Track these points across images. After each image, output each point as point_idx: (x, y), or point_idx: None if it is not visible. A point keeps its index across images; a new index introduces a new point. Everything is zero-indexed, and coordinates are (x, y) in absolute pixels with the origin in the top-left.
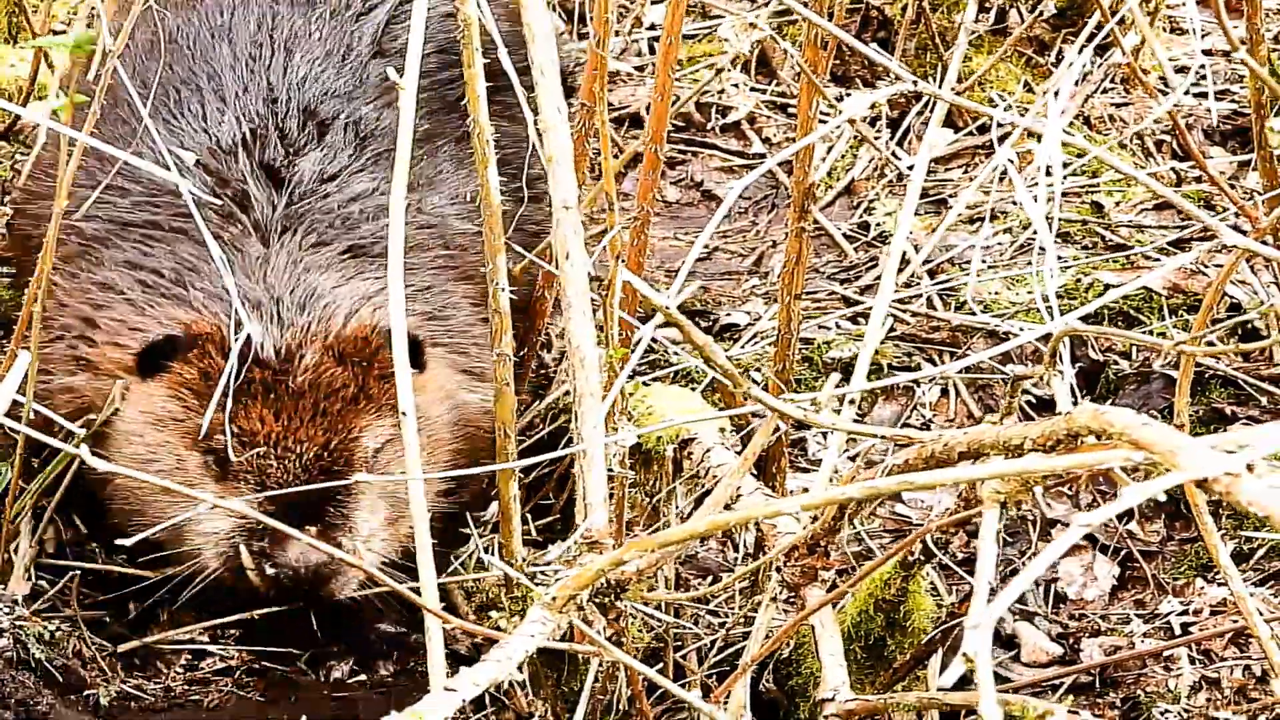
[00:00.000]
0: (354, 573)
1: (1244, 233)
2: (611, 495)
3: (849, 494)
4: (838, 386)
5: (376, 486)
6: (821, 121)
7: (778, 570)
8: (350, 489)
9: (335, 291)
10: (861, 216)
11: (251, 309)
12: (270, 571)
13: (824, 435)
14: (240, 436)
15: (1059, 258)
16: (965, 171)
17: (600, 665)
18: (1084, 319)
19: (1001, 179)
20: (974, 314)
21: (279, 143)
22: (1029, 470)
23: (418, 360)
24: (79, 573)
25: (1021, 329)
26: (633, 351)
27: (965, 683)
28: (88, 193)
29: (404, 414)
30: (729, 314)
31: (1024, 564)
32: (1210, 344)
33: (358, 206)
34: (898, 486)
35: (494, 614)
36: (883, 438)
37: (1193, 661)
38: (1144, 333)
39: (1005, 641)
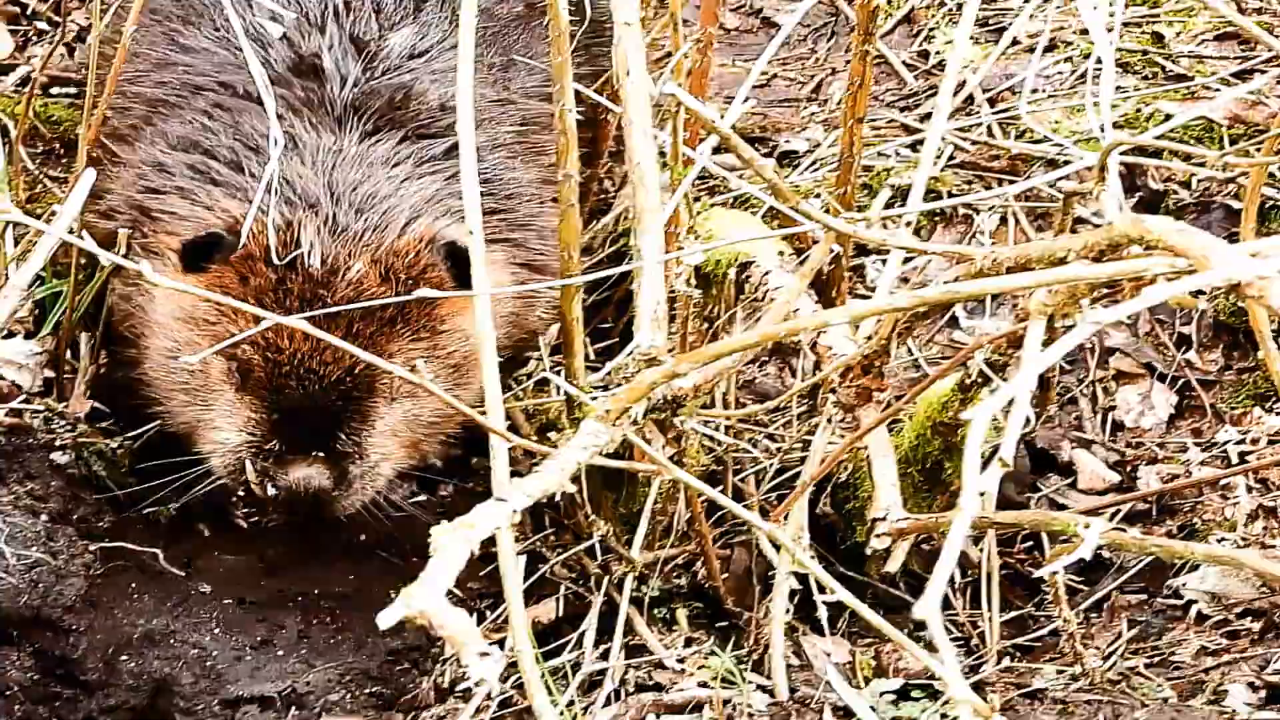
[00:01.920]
0: (359, 495)
1: None
2: (674, 316)
3: (896, 303)
4: (889, 207)
5: (398, 409)
6: None
7: (833, 392)
8: (365, 414)
9: (398, 193)
10: (921, 45)
11: (306, 209)
12: (271, 491)
13: (882, 261)
14: (265, 350)
15: (1118, 88)
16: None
17: (660, 487)
18: (1143, 150)
19: (1063, 3)
20: (1033, 142)
21: (373, 15)
22: (1072, 278)
23: (469, 277)
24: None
25: (1081, 157)
26: (689, 169)
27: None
28: (163, 53)
29: (472, 232)
30: (788, 141)
31: (1081, 392)
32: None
33: (441, 85)
34: (944, 296)
35: (553, 435)
36: (935, 254)
37: (1249, 490)
38: (1198, 163)
39: (1063, 469)
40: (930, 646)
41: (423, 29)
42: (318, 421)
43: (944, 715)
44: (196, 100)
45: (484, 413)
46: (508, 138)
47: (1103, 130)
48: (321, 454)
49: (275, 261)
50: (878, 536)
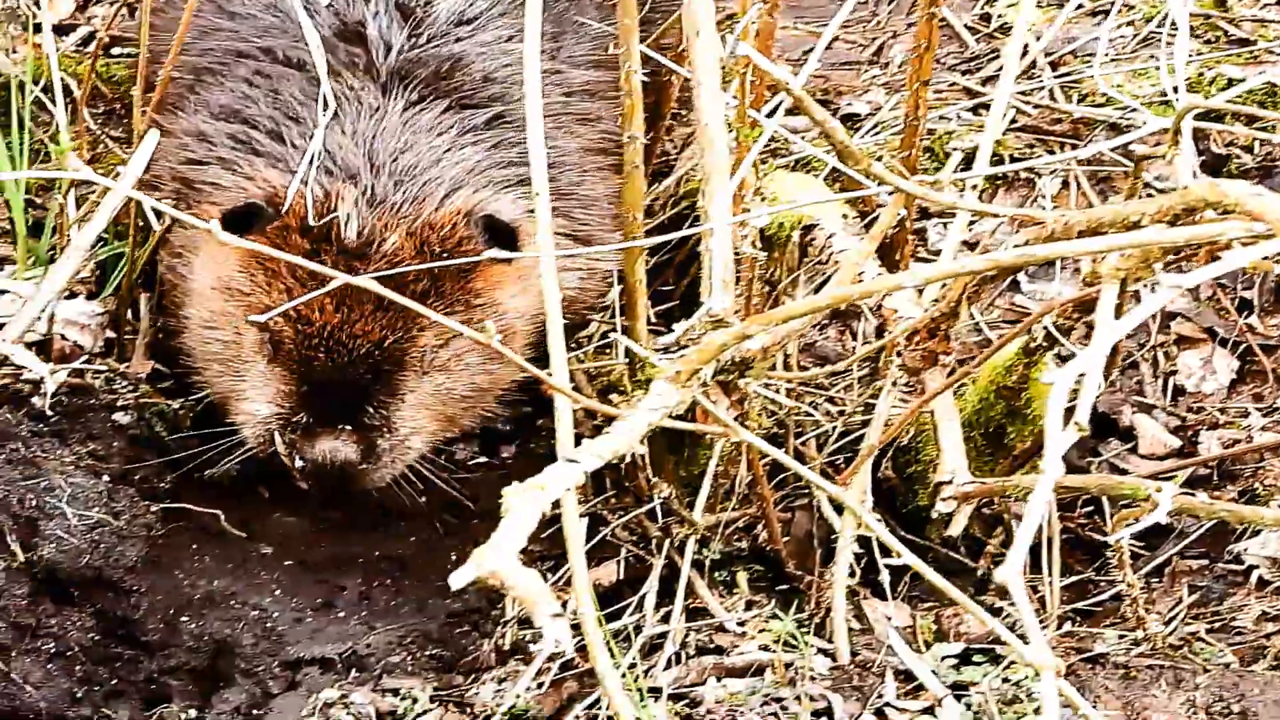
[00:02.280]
0: (387, 468)
1: None
2: (738, 279)
3: (969, 266)
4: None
5: (429, 383)
6: None
7: (898, 355)
8: (395, 387)
9: (439, 164)
10: (983, 8)
11: (346, 179)
12: (298, 463)
13: (944, 225)
14: (297, 322)
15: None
16: None
17: (722, 450)
18: (1206, 115)
19: None
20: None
21: None
22: (1147, 242)
23: (512, 250)
24: None
25: (1145, 122)
26: (758, 131)
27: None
28: (209, 19)
29: (537, 193)
30: (849, 104)
31: (1143, 357)
32: None
33: (488, 56)
34: (1018, 260)
35: (614, 397)
36: (1005, 217)
37: None
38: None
39: (1123, 434)
40: (994, 611)
41: None
42: (346, 394)
43: (1005, 679)
44: (239, 67)
45: (549, 374)
46: (554, 107)
47: (1176, 93)
48: (349, 427)
49: (309, 230)
50: (943, 500)
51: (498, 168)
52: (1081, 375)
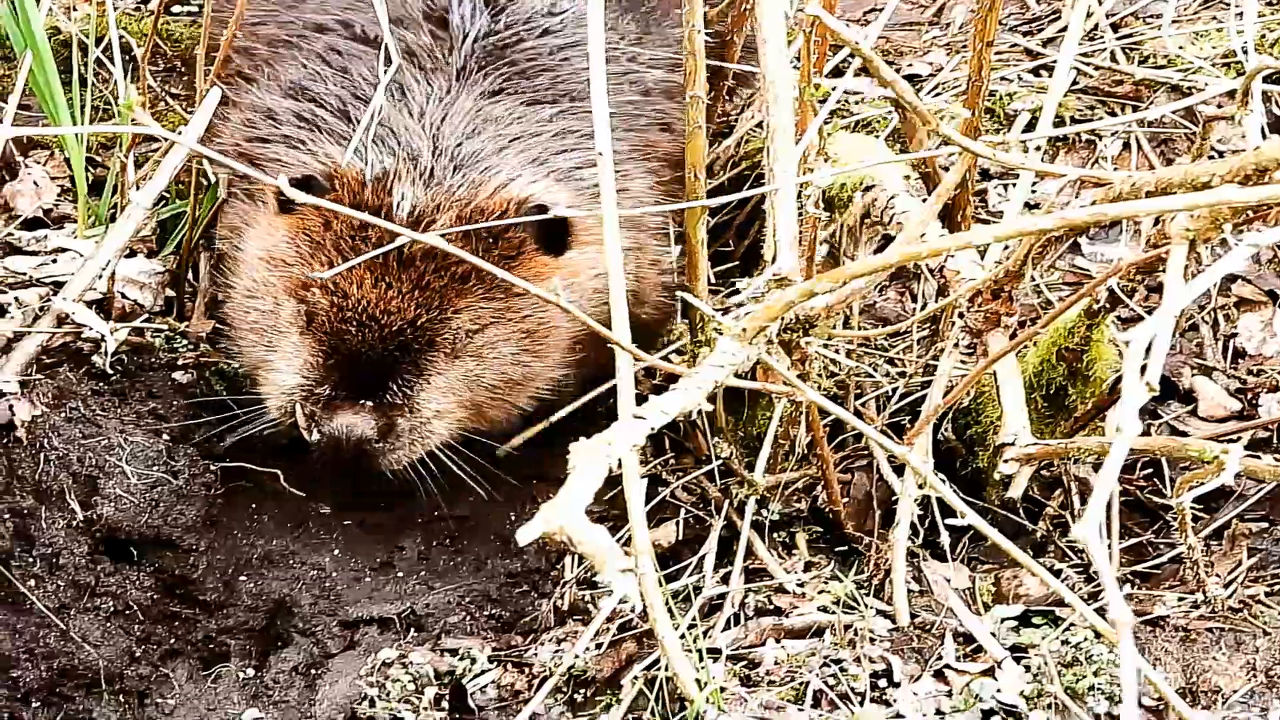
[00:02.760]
0: (406, 450)
1: None
2: (801, 238)
3: (1040, 224)
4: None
5: (458, 368)
6: None
7: (960, 316)
8: (422, 368)
9: (501, 153)
10: None
11: (407, 160)
12: (315, 436)
13: (1004, 187)
14: (334, 295)
15: (1241, 14)
16: None
17: (782, 410)
18: (1268, 77)
19: None
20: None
21: None
22: (1220, 202)
23: (560, 243)
24: None
25: (1207, 83)
26: (823, 91)
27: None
28: None
29: (600, 154)
30: (910, 64)
31: (1203, 319)
32: None
33: (568, 50)
34: (1090, 218)
35: (674, 357)
36: (1073, 178)
37: None
38: None
39: (1183, 396)
40: (1054, 573)
41: None
42: (370, 370)
43: (1065, 641)
44: (315, 42)
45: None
46: (627, 108)
47: (1245, 54)
48: (369, 403)
49: (362, 206)
50: (1005, 462)
51: (561, 161)
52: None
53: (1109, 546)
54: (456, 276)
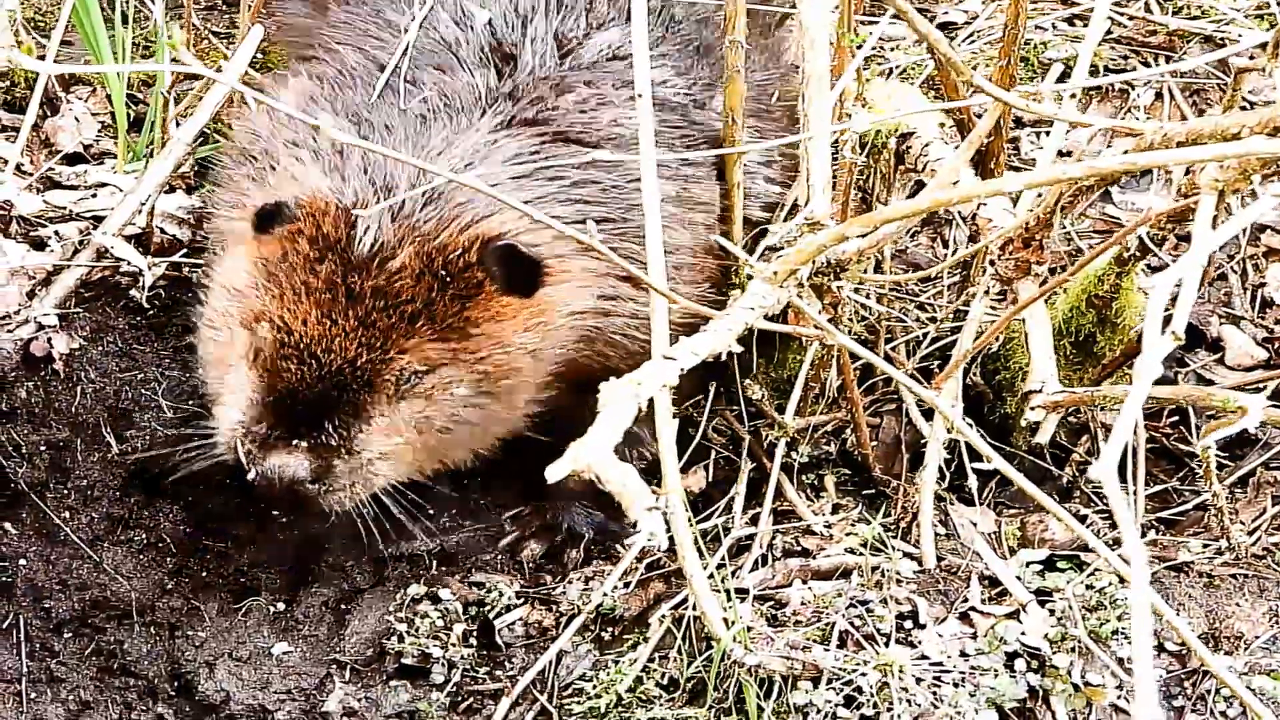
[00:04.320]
0: (346, 492)
1: None
2: (835, 183)
3: (1070, 173)
4: (1039, 79)
5: (405, 409)
6: None
7: (991, 263)
8: (360, 409)
9: (492, 190)
10: None
11: (381, 192)
12: (250, 475)
13: (1037, 135)
14: (278, 330)
15: None
16: None
17: (814, 353)
18: None
19: None
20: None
21: (585, 13)
22: (1249, 153)
23: (528, 284)
24: None
25: (1240, 34)
26: (860, 39)
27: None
28: (365, 25)
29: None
30: (946, 12)
31: (1232, 268)
32: None
33: (617, 96)
34: (1120, 167)
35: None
36: (1103, 128)
37: None
38: None
39: (1211, 345)
40: (1080, 518)
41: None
42: (308, 410)
43: (1090, 586)
44: (368, 65)
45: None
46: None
47: (1276, 5)
48: (305, 444)
49: (321, 237)
50: (1032, 409)
51: (563, 203)
52: (1178, 285)
53: (1134, 493)
54: (405, 315)
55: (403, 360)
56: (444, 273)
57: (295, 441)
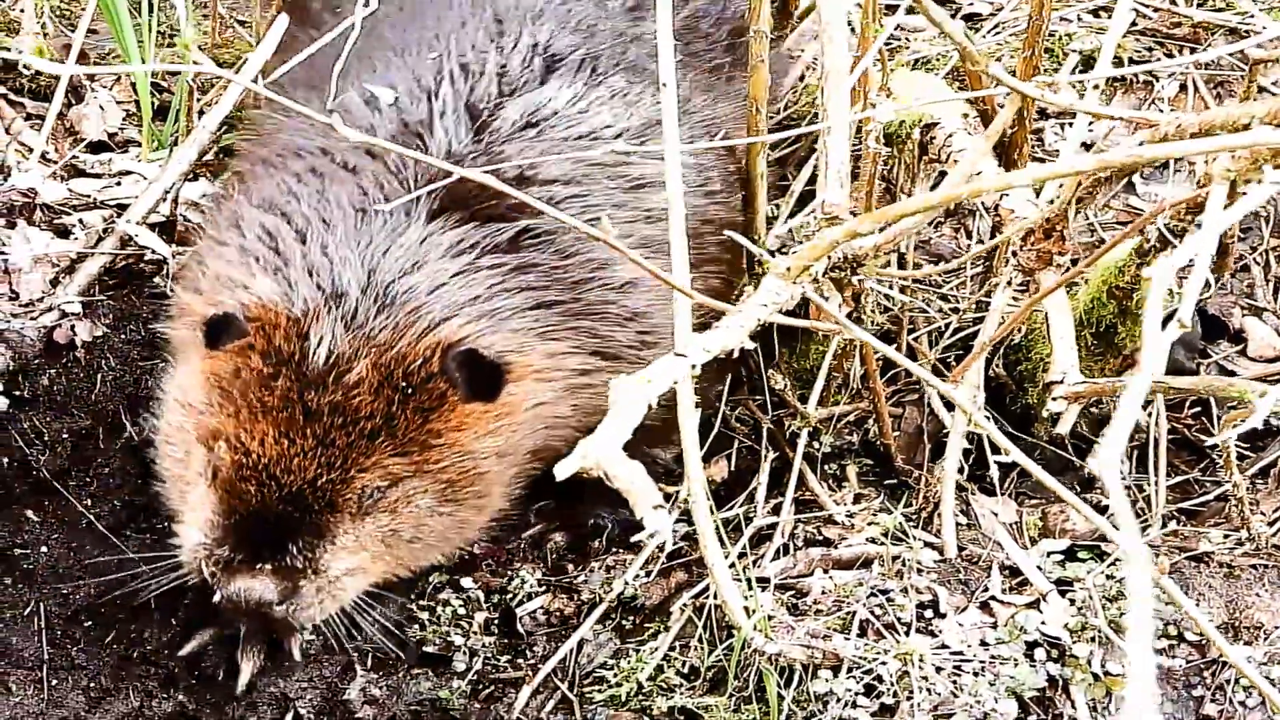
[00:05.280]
0: (314, 609)
1: None
2: (855, 175)
3: (1081, 166)
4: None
5: (369, 524)
6: None
7: (1013, 255)
8: (324, 529)
9: (442, 288)
10: None
11: (330, 301)
12: (216, 597)
13: (1061, 126)
14: (236, 451)
15: None
16: None
17: (836, 344)
18: None
19: None
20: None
21: (496, 80)
22: (1257, 143)
23: (491, 387)
24: None
25: (1265, 27)
26: (879, 30)
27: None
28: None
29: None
30: (971, 3)
31: (1254, 260)
32: None
33: (554, 164)
34: (1130, 160)
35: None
36: (1120, 119)
37: None
38: None
39: (1233, 336)
40: (1100, 509)
41: (544, 94)
42: (272, 532)
43: (1110, 576)
44: (293, 163)
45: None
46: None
47: None
48: (269, 566)
49: (275, 352)
50: (1054, 400)
51: (510, 293)
52: (1186, 268)
53: (1156, 484)
54: (364, 433)
55: (364, 478)
56: (404, 385)
57: (259, 565)
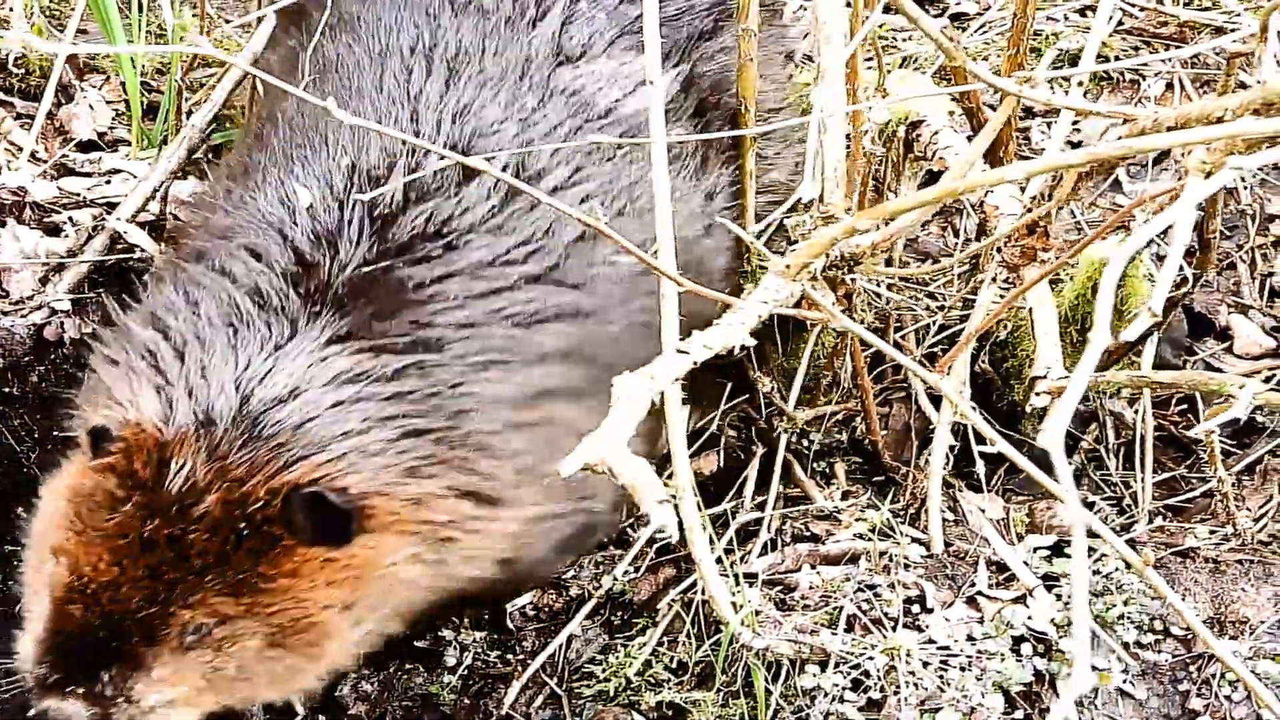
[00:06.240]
0: None
1: None
2: (851, 173)
3: (1069, 160)
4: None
5: (191, 659)
6: None
7: (998, 251)
8: (141, 659)
9: (308, 425)
10: None
11: (200, 427)
12: (31, 712)
13: (1048, 125)
14: (68, 571)
15: None
16: None
17: (825, 342)
18: None
19: None
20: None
21: (404, 187)
22: (1237, 134)
23: (340, 534)
24: None
25: (1246, 24)
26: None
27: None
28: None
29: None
30: (958, 3)
31: (1240, 258)
32: None
33: (447, 285)
34: (1114, 152)
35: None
36: (1100, 114)
37: None
38: None
39: (1219, 333)
40: (1087, 505)
41: (460, 202)
42: (88, 656)
43: (1096, 572)
44: (202, 260)
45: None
46: (496, 342)
47: None
48: (81, 690)
49: (130, 475)
50: (1037, 394)
51: (386, 425)
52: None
53: (1142, 480)
54: (195, 569)
55: (187, 615)
56: (242, 525)
57: (70, 687)
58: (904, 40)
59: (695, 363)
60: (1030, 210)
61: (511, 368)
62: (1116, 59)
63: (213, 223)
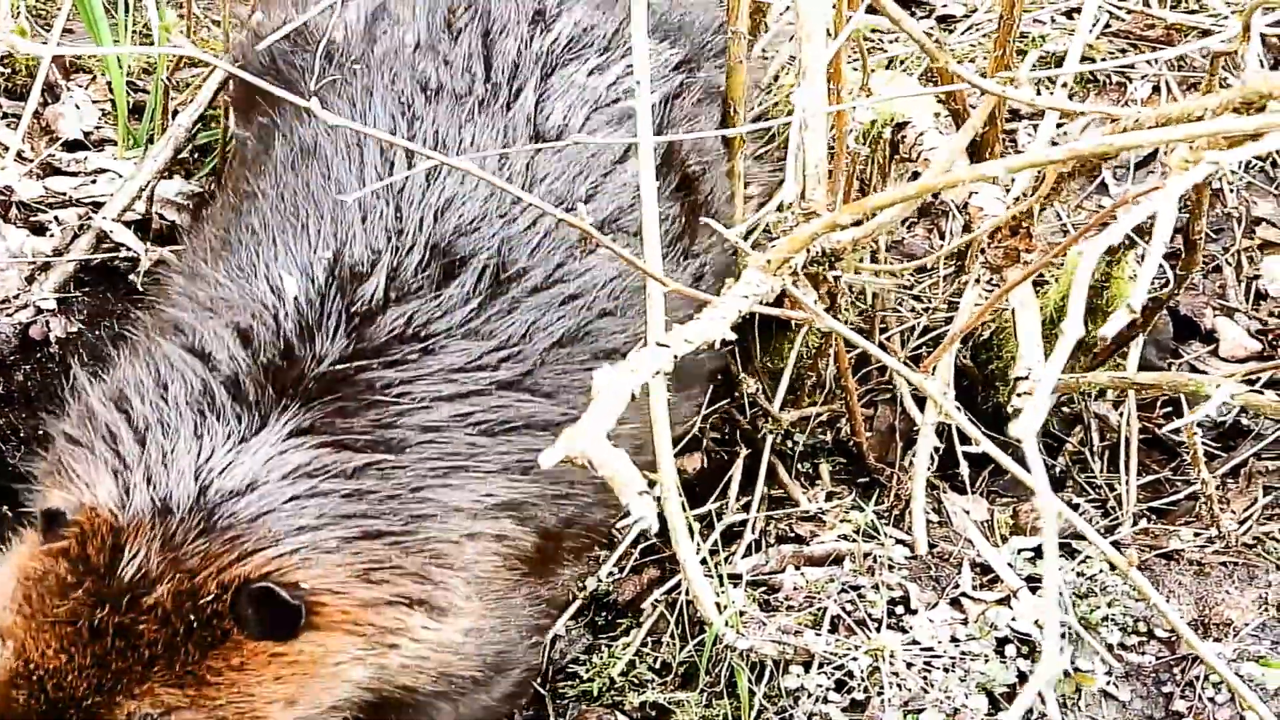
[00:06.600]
0: None
1: None
2: (834, 175)
3: (1052, 156)
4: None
5: None
6: None
7: (982, 252)
8: None
9: (264, 518)
10: None
11: (156, 515)
12: None
13: (1035, 127)
14: (19, 655)
15: None
16: None
17: (808, 342)
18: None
19: None
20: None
21: (384, 284)
22: (1218, 131)
23: (287, 629)
24: None
25: (1229, 21)
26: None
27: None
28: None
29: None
30: (945, 5)
31: (1226, 261)
32: None
33: (426, 384)
34: (1095, 148)
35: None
36: (1083, 113)
37: None
38: None
39: (1205, 336)
40: (1073, 507)
41: (439, 303)
42: None
43: (1080, 573)
44: (166, 345)
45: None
46: (460, 448)
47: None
48: None
49: (82, 561)
50: (1019, 395)
51: (340, 523)
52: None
53: (1127, 483)
54: (143, 659)
55: (132, 705)
56: (192, 618)
57: None
58: (890, 42)
59: (676, 356)
60: (1016, 211)
61: (472, 475)
62: (1103, 60)
63: (197, 294)
